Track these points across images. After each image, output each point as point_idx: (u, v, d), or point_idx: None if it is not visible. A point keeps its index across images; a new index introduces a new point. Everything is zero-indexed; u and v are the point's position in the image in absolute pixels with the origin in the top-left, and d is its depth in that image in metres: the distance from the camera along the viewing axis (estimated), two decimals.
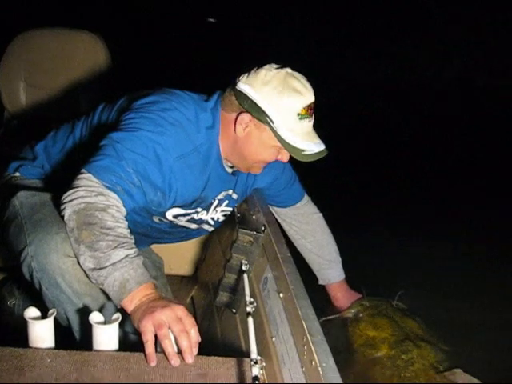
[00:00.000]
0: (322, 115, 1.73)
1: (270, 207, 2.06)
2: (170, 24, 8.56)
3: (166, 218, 1.72)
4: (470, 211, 3.89)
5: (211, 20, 9.00)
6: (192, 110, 1.63)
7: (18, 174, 1.82)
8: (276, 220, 2.01)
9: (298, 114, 1.57)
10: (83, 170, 1.44)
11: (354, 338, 1.98)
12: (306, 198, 2.13)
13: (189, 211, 1.75)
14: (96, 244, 1.32)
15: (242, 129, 1.62)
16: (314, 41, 8.95)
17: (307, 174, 2.07)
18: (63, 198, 1.40)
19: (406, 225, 3.59)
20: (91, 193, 1.39)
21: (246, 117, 1.61)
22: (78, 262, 1.36)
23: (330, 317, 2.10)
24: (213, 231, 1.98)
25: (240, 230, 1.78)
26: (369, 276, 2.62)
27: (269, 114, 1.57)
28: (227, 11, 9.13)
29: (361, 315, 2.05)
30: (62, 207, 1.39)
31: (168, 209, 1.68)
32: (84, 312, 1.41)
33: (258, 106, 1.58)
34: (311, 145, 1.60)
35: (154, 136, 1.53)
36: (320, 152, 1.61)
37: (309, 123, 1.61)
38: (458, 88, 8.23)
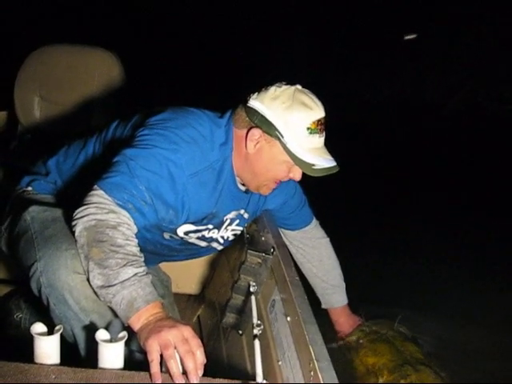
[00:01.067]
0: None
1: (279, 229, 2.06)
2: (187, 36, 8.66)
3: (176, 235, 1.72)
4: (471, 231, 3.90)
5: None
6: (207, 128, 1.64)
7: (30, 188, 1.83)
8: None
9: (308, 129, 1.57)
10: (95, 187, 1.45)
11: (355, 366, 2.00)
12: (315, 222, 2.13)
13: (200, 227, 1.75)
14: (105, 261, 1.32)
15: (252, 145, 1.63)
16: (319, 58, 9.02)
17: (308, 189, 2.06)
18: (75, 214, 1.40)
19: (408, 245, 3.63)
20: (102, 210, 1.39)
21: (256, 132, 1.61)
22: (87, 279, 1.36)
23: (333, 345, 2.10)
24: (221, 251, 1.98)
25: (249, 251, 1.78)
26: (370, 298, 2.63)
27: (278, 128, 1.58)
28: (230, 29, 9.19)
29: (361, 341, 2.06)
30: (74, 223, 1.39)
31: (179, 225, 1.68)
32: (90, 329, 1.41)
33: (267, 120, 1.58)
34: (321, 160, 1.59)
35: (167, 153, 1.53)
36: (330, 168, 1.60)
37: (319, 139, 1.61)
38: (464, 108, 8.30)
